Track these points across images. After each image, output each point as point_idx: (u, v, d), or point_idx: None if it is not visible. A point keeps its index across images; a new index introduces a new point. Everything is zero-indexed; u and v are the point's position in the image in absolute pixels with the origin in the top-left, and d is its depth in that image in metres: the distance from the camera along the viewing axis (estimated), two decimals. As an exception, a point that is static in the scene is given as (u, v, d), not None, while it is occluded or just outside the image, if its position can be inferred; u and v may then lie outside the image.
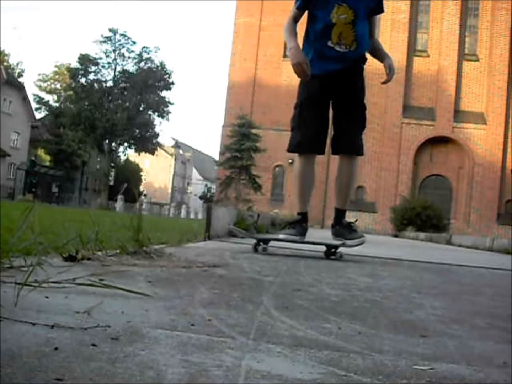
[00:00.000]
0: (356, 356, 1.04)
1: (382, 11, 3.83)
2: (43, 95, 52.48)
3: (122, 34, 46.54)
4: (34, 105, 48.27)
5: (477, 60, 35.95)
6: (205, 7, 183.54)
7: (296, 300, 1.70)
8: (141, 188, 63.73)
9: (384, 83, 3.88)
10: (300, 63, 3.54)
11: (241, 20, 38.22)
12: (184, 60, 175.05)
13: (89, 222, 2.57)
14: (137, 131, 45.69)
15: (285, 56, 36.67)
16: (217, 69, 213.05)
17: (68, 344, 0.92)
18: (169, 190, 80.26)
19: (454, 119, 35.08)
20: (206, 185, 72.32)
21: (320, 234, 7.63)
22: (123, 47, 46.73)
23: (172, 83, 47.14)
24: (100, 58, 46.40)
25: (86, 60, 45.61)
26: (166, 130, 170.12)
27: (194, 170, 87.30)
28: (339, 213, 3.94)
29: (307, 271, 2.71)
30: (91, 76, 46.26)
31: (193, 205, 57.22)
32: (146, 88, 45.09)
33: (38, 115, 49.83)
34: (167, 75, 46.63)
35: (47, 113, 50.20)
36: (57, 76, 56.57)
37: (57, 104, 51.41)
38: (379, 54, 3.94)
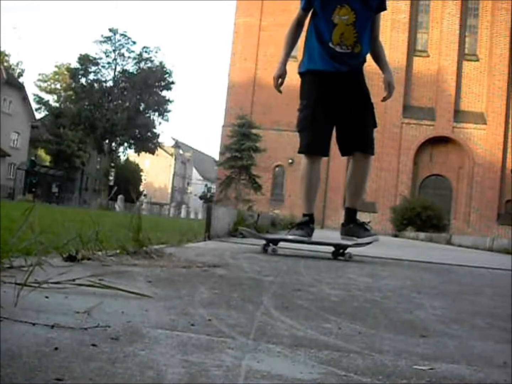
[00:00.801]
0: (356, 356, 1.04)
1: (384, 8, 3.83)
2: (43, 95, 52.50)
3: (122, 34, 46.59)
4: (34, 105, 48.30)
5: (477, 60, 35.94)
6: (205, 7, 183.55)
7: (296, 300, 1.70)
8: (141, 188, 63.72)
9: (383, 100, 3.91)
10: (274, 77, 3.73)
11: (241, 20, 38.22)
12: (184, 60, 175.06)
13: (89, 222, 2.57)
14: (137, 131, 45.68)
15: (285, 56, 36.70)
16: (217, 69, 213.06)
17: (68, 344, 0.92)
18: (169, 190, 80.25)
19: (454, 119, 35.08)
20: (206, 185, 72.28)
21: (321, 234, 7.63)
22: (123, 47, 46.77)
23: (172, 83, 47.16)
24: (100, 58, 46.46)
25: (86, 60, 45.63)
26: (166, 130, 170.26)
27: (194, 170, 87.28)
28: (351, 212, 3.92)
29: (307, 271, 2.71)
30: (91, 76, 46.32)
31: (193, 205, 57.19)
32: (146, 88, 45.09)
33: (38, 115, 49.86)
34: (167, 75, 46.63)
35: (47, 113, 50.18)
36: (57, 76, 56.55)
37: (57, 104, 51.39)
38: (380, 64, 3.93)
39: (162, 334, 1.06)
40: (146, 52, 46.63)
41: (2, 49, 52.04)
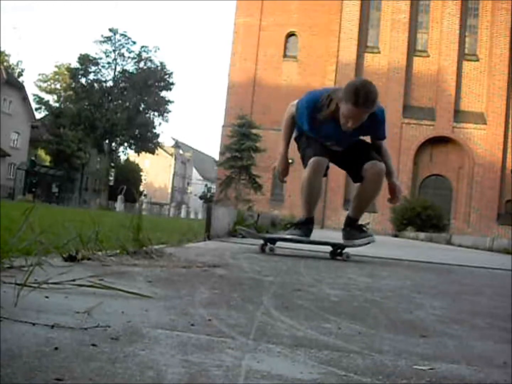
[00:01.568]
0: (356, 356, 1.04)
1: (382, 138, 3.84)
2: (43, 95, 52.46)
3: (122, 34, 46.55)
4: (34, 105, 48.27)
5: (477, 60, 35.94)
6: (205, 7, 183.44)
7: (296, 300, 1.70)
8: (141, 188, 63.70)
9: (391, 202, 4.00)
10: (279, 171, 4.02)
11: (241, 20, 38.21)
12: (184, 60, 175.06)
13: (89, 222, 2.56)
14: (137, 131, 45.66)
15: (285, 56, 36.77)
16: (217, 69, 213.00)
17: (68, 344, 0.92)
18: (169, 190, 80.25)
19: (454, 119, 35.07)
20: (206, 185, 72.28)
21: (321, 234, 7.63)
22: (123, 47, 46.73)
23: (172, 83, 47.15)
24: (100, 58, 46.41)
25: (86, 60, 45.60)
26: (166, 130, 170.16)
27: (194, 170, 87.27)
28: (351, 221, 3.94)
29: (307, 271, 2.71)
30: (91, 76, 46.27)
31: (193, 205, 57.20)
32: (146, 88, 45.08)
33: (38, 115, 49.83)
34: (167, 75, 46.62)
35: (47, 113, 50.17)
36: (57, 76, 56.53)
37: (57, 104, 51.37)
38: (387, 169, 3.84)
39: (162, 334, 1.06)
40: (145, 51, 46.60)
41: (2, 49, 52.08)
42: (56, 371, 0.77)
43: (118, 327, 1.08)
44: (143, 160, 67.18)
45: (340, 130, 3.52)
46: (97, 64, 46.25)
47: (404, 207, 28.49)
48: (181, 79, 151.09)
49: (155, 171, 78.09)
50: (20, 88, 46.10)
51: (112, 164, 49.80)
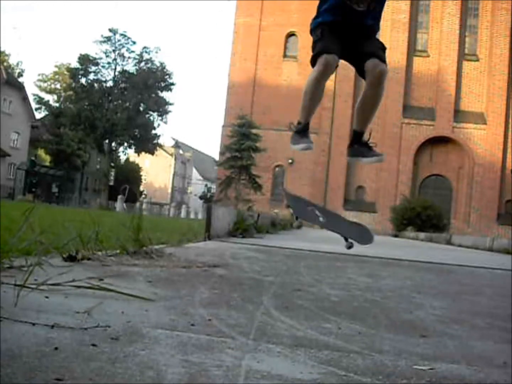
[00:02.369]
0: (356, 356, 1.03)
1: None
2: (43, 95, 52.42)
3: (122, 34, 46.53)
4: (34, 105, 48.24)
5: (477, 60, 35.93)
6: (205, 7, 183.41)
7: (296, 300, 1.70)
8: (141, 188, 63.69)
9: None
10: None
11: (241, 20, 38.20)
12: (184, 60, 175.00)
13: (89, 222, 2.56)
14: (137, 131, 45.65)
15: (285, 56, 36.77)
16: (217, 69, 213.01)
17: (68, 344, 0.92)
18: (169, 190, 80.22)
19: (454, 119, 35.06)
20: (206, 185, 72.23)
21: (321, 234, 7.63)
22: (123, 47, 46.71)
23: (172, 84, 47.14)
24: (100, 58, 46.37)
25: (86, 60, 45.57)
26: (166, 130, 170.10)
27: (194, 170, 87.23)
28: (358, 135, 3.84)
29: (307, 271, 2.71)
30: (91, 76, 46.22)
31: (193, 205, 57.17)
32: (146, 88, 45.07)
33: (38, 115, 49.80)
34: (167, 76, 46.61)
35: (47, 113, 50.15)
36: (57, 76, 56.52)
37: (57, 104, 51.34)
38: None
39: (162, 334, 1.06)
40: (146, 52, 46.61)
41: (2, 49, 52.07)
42: (56, 371, 0.77)
43: (118, 327, 1.08)
44: (143, 160, 67.12)
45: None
46: (97, 64, 46.23)
47: (404, 207, 28.51)
48: (181, 79, 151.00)
49: (155, 171, 78.05)
50: (20, 88, 46.09)
51: (112, 164, 49.75)
